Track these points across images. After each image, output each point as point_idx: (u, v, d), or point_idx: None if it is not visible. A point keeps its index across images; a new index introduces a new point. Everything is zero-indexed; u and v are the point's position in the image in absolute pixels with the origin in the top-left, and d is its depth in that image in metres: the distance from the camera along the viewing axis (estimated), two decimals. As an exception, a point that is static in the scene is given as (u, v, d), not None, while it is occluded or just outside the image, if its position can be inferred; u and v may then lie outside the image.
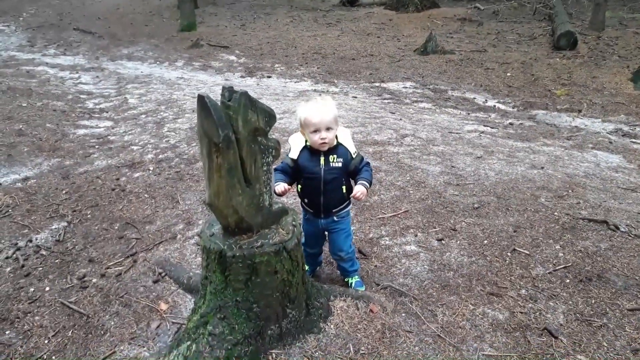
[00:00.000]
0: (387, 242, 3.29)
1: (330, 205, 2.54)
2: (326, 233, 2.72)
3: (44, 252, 3.31)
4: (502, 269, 2.95)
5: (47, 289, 2.93)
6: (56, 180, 4.39)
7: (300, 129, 2.48)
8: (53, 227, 3.62)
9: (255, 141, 1.95)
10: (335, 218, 2.59)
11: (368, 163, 2.53)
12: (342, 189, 2.51)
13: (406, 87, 8.99)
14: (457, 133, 5.80)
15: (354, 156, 2.49)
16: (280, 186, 2.38)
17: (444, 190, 4.01)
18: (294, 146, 2.50)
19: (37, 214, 3.80)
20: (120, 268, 3.11)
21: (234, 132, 1.83)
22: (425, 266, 3.00)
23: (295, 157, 2.48)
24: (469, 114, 7.28)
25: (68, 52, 11.90)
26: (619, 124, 6.75)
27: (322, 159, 2.44)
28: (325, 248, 2.89)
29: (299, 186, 2.55)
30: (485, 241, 3.25)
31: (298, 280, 2.24)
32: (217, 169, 1.86)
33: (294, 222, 2.23)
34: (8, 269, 3.12)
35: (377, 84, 9.22)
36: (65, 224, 3.67)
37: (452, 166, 4.56)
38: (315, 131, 2.36)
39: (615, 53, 10.20)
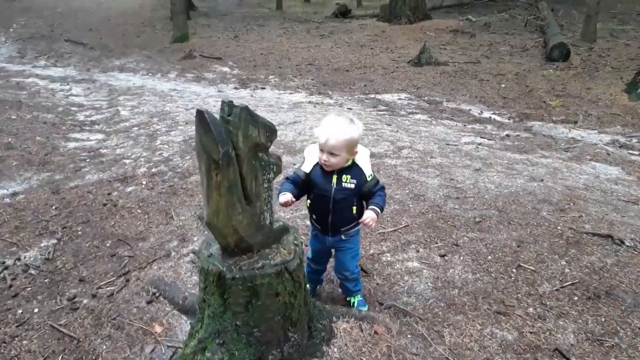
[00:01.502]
0: (388, 259, 3.20)
1: (339, 223, 2.43)
2: (333, 251, 2.62)
3: (32, 271, 3.17)
4: (507, 286, 2.87)
5: (36, 310, 2.80)
6: (46, 196, 4.26)
7: None
8: (42, 244, 3.49)
9: (256, 157, 1.86)
10: (343, 237, 2.48)
11: (383, 187, 2.40)
12: (352, 209, 2.39)
13: (401, 99, 8.96)
14: (454, 145, 5.75)
15: (368, 179, 2.36)
16: (285, 196, 2.26)
17: (444, 204, 3.94)
18: (308, 159, 2.39)
19: (26, 231, 3.67)
20: (112, 288, 2.98)
21: (234, 148, 1.74)
22: (429, 283, 2.91)
23: (307, 170, 2.37)
24: (465, 125, 7.24)
25: (59, 64, 11.78)
26: (615, 135, 6.75)
27: (334, 177, 2.33)
28: (327, 265, 2.79)
29: (308, 201, 2.45)
30: (489, 257, 3.17)
31: (300, 302, 2.14)
32: (216, 187, 1.76)
33: (295, 241, 2.13)
34: (-6, 289, 2.99)
35: (371, 96, 9.19)
36: (55, 241, 3.54)
37: (451, 179, 4.49)
38: (321, 150, 2.27)
39: (608, 64, 10.27)
